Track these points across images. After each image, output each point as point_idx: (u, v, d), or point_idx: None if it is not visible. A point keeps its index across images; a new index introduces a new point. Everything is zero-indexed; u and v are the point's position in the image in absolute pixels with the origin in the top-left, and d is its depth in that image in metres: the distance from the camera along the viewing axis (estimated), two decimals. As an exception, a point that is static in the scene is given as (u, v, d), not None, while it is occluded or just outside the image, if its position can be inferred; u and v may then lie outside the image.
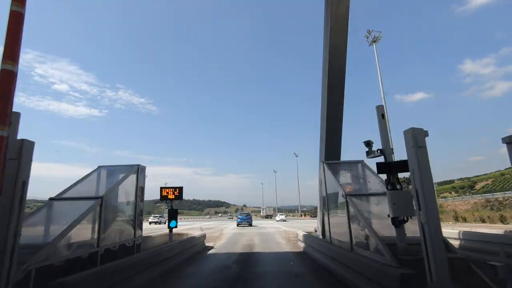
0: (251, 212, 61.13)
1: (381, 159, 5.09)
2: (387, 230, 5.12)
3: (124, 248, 6.50)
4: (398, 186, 4.53)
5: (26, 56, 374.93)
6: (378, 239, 4.65)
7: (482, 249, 6.49)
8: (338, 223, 7.09)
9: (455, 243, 7.07)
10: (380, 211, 5.80)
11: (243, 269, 7.40)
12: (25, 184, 3.34)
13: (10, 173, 3.23)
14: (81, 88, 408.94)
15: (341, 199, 6.70)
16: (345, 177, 7.45)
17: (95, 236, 5.48)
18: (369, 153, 5.25)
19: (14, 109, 3.58)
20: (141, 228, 7.46)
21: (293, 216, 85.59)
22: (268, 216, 76.16)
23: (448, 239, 5.50)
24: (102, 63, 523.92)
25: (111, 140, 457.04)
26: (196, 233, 12.75)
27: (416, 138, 3.52)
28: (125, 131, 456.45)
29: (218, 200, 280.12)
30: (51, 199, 5.75)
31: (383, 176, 6.17)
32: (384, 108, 5.26)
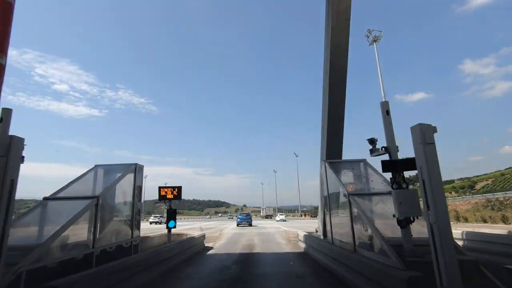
0: (251, 212, 61.10)
1: (385, 157, 4.93)
2: (391, 230, 4.97)
3: (121, 249, 6.35)
4: (404, 185, 4.37)
5: (26, 56, 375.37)
6: (383, 240, 4.49)
7: (487, 249, 6.36)
8: (340, 223, 6.94)
9: (459, 243, 6.93)
10: (383, 211, 5.64)
11: (243, 270, 7.25)
12: (13, 183, 3.18)
13: (-2, 171, 3.08)
14: (81, 88, 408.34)
15: (343, 199, 6.55)
16: (347, 176, 7.29)
17: (91, 236, 5.34)
18: (373, 151, 5.08)
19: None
20: (138, 228, 7.31)
21: (293, 216, 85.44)
22: (268, 216, 76.07)
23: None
24: (102, 63, 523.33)
25: (111, 140, 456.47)
26: (196, 233, 12.60)
27: (424, 134, 3.36)
28: (125, 131, 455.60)
29: (218, 200, 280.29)
30: (45, 198, 5.60)
31: (386, 175, 6.01)
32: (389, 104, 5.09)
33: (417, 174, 3.54)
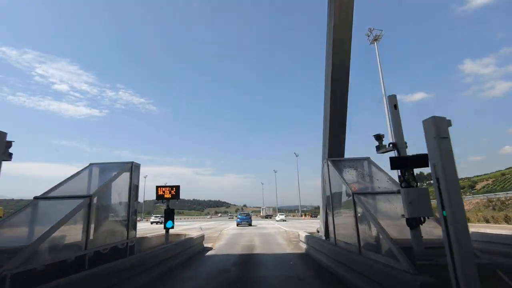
0: (251, 212, 60.98)
1: (392, 154, 4.68)
2: (398, 231, 4.72)
3: (116, 250, 6.09)
4: (413, 183, 4.11)
5: (26, 56, 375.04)
6: (391, 242, 4.24)
7: (493, 250, 6.12)
8: (344, 223, 6.68)
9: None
10: (390, 210, 5.40)
11: (242, 272, 7.01)
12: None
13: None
14: (81, 88, 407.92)
15: (347, 198, 6.30)
16: (351, 174, 7.03)
17: (83, 237, 5.08)
18: (379, 148, 4.81)
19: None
20: (135, 229, 7.04)
21: (293, 216, 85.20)
22: (268, 216, 75.90)
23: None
24: (102, 63, 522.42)
25: (111, 140, 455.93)
26: (194, 234, 12.34)
27: (439, 128, 3.10)
28: (125, 131, 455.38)
29: (218, 200, 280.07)
30: (36, 197, 5.34)
31: (392, 174, 5.73)
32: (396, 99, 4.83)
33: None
